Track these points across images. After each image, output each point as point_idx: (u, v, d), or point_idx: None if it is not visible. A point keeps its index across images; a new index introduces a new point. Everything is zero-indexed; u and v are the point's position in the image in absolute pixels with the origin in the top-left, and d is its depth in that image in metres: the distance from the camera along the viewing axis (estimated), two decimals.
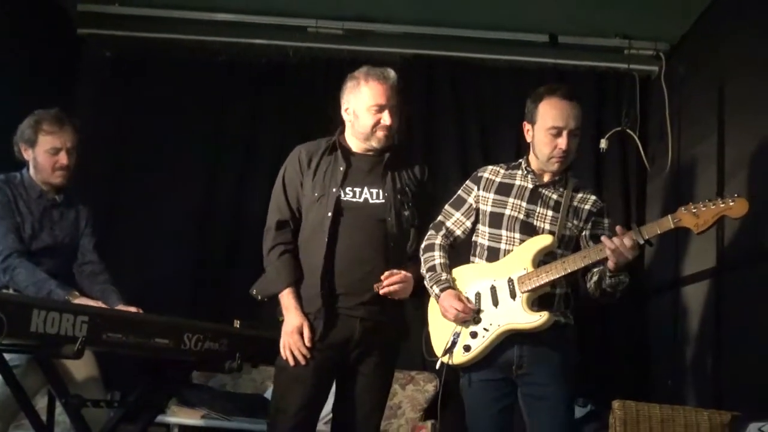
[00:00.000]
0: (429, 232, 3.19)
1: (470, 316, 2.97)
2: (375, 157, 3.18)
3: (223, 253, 5.30)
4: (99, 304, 3.24)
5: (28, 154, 3.56)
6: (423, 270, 3.13)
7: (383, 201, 3.12)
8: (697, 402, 4.06)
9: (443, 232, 3.18)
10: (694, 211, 2.75)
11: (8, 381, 2.94)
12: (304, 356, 3.02)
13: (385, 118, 3.09)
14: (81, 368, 3.37)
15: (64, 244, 3.61)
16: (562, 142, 2.96)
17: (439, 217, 3.22)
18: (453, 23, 5.20)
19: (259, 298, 3.19)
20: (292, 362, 3.04)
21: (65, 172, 3.55)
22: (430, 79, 5.46)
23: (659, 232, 2.80)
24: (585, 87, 5.33)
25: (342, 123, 3.26)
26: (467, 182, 3.20)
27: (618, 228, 2.80)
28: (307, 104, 5.41)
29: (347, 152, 3.19)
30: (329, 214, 3.06)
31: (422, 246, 3.18)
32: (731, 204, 2.72)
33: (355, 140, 3.19)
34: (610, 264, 2.80)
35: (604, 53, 5.27)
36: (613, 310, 4.96)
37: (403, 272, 3.07)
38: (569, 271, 2.86)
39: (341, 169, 3.13)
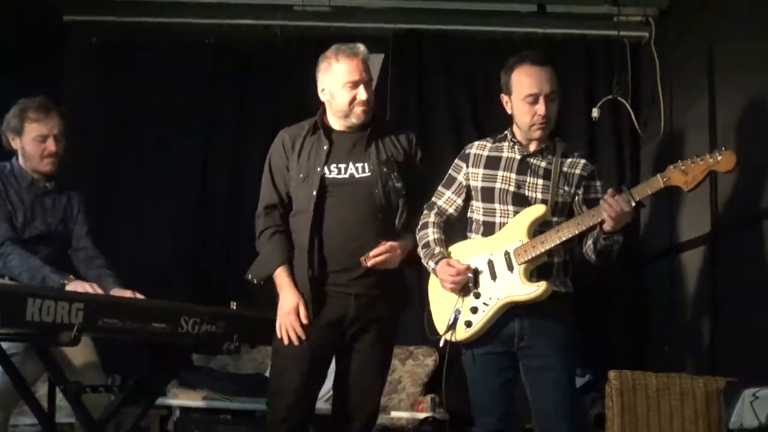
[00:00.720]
0: (424, 212, 3.20)
1: (467, 278, 2.97)
2: (357, 132, 3.18)
3: (220, 235, 5.31)
4: (95, 287, 3.23)
5: (15, 143, 3.54)
6: (419, 249, 3.15)
7: (369, 174, 3.12)
8: (694, 368, 4.09)
9: (435, 210, 3.19)
10: (683, 168, 2.74)
11: (7, 369, 2.94)
12: (299, 337, 3.04)
13: (361, 93, 3.09)
14: (79, 354, 3.37)
15: (57, 231, 3.60)
16: (540, 108, 2.95)
17: (433, 197, 3.22)
18: None
19: (255, 281, 3.20)
20: (286, 341, 3.06)
21: (54, 158, 3.53)
22: (419, 54, 5.45)
23: (650, 192, 2.79)
24: (575, 56, 5.35)
25: (322, 104, 3.26)
26: (456, 160, 3.20)
27: (610, 191, 2.79)
28: (297, 83, 5.38)
29: (329, 131, 3.19)
30: (314, 192, 3.08)
31: (418, 226, 3.19)
32: (719, 158, 2.71)
33: (335, 119, 3.19)
34: (608, 226, 2.78)
35: (593, 21, 5.26)
36: (611, 277, 4.99)
37: (389, 243, 3.07)
38: (564, 239, 2.86)
39: (324, 148, 3.14)
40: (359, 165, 3.14)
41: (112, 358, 3.72)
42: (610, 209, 2.74)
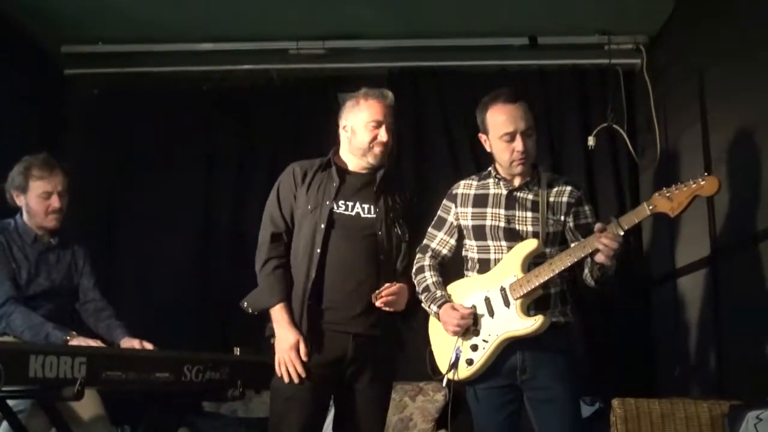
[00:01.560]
0: (417, 256, 3.25)
1: (471, 321, 2.99)
2: (368, 175, 3.24)
3: (224, 280, 5.31)
4: (97, 342, 3.24)
5: (20, 200, 3.61)
6: (418, 292, 3.18)
7: (374, 216, 3.17)
8: (701, 391, 4.07)
9: (429, 253, 3.23)
10: (668, 195, 2.79)
11: (14, 426, 2.97)
12: (299, 375, 3.05)
13: (382, 134, 3.17)
14: (86, 408, 3.39)
15: (62, 286, 3.65)
16: (518, 145, 3.00)
17: (425, 240, 3.27)
18: (432, 33, 5.23)
19: (250, 311, 3.22)
20: (286, 379, 3.06)
21: (58, 215, 3.61)
22: (415, 91, 5.48)
23: (636, 221, 2.84)
24: (569, 85, 5.38)
25: (336, 143, 3.33)
26: (444, 201, 3.26)
27: (597, 225, 2.84)
28: (295, 124, 5.48)
29: (341, 169, 3.25)
30: (322, 225, 3.11)
31: (413, 271, 3.23)
32: (702, 183, 2.77)
33: (350, 157, 3.26)
34: (600, 259, 2.82)
35: (585, 50, 5.28)
36: (615, 303, 4.99)
37: (398, 284, 3.11)
38: (557, 271, 2.89)
39: (334, 184, 3.19)
40: (366, 206, 3.19)
41: (120, 410, 3.73)
42: (605, 249, 2.79)
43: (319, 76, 5.48)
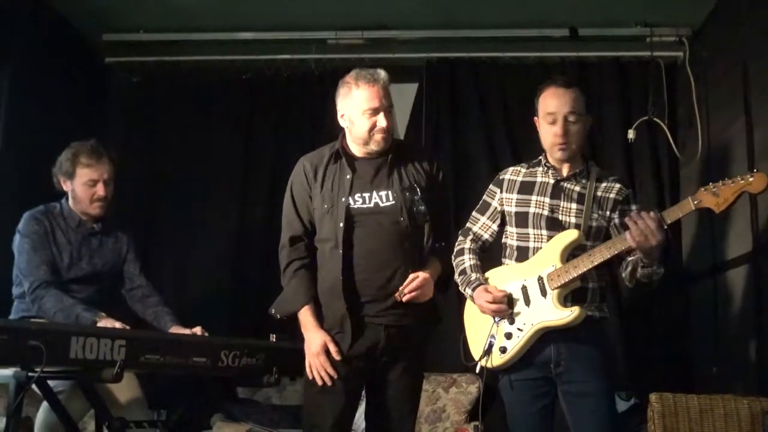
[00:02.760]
0: (458, 239, 3.23)
1: (504, 303, 2.97)
2: (379, 159, 3.15)
3: (259, 269, 5.35)
4: (123, 325, 3.21)
5: (66, 186, 3.65)
6: (456, 276, 3.17)
7: (393, 202, 3.10)
8: (741, 388, 4.02)
9: (471, 236, 3.22)
10: (714, 190, 2.73)
11: (54, 406, 3.01)
12: (330, 376, 3.01)
13: (381, 121, 3.07)
14: (123, 390, 3.44)
15: (104, 271, 3.69)
16: (558, 128, 2.98)
17: (468, 224, 3.25)
18: (472, 24, 5.20)
19: (278, 317, 3.17)
20: (319, 382, 3.03)
21: (103, 203, 3.64)
22: (453, 82, 5.46)
23: (681, 215, 2.78)
24: (609, 78, 5.33)
25: (342, 129, 3.25)
26: (491, 186, 3.23)
27: (651, 215, 2.77)
28: (332, 114, 5.44)
29: (351, 159, 3.16)
30: (341, 224, 3.05)
31: (453, 253, 3.21)
32: (750, 180, 2.69)
33: (355, 145, 3.17)
34: (633, 244, 2.76)
35: (626, 42, 5.23)
36: (654, 299, 4.95)
37: (422, 275, 3.05)
38: (596, 263, 2.85)
39: (348, 177, 3.11)
40: (383, 193, 3.11)
41: (157, 394, 3.77)
42: (634, 226, 2.74)
43: (357, 66, 5.41)
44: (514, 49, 5.35)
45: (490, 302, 2.98)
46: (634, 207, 3.05)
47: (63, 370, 2.81)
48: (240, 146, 5.58)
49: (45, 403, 3.25)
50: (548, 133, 3.02)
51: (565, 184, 3.05)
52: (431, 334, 3.27)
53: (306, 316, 3.09)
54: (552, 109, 2.99)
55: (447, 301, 3.44)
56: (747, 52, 4.27)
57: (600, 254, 2.86)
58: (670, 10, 4.96)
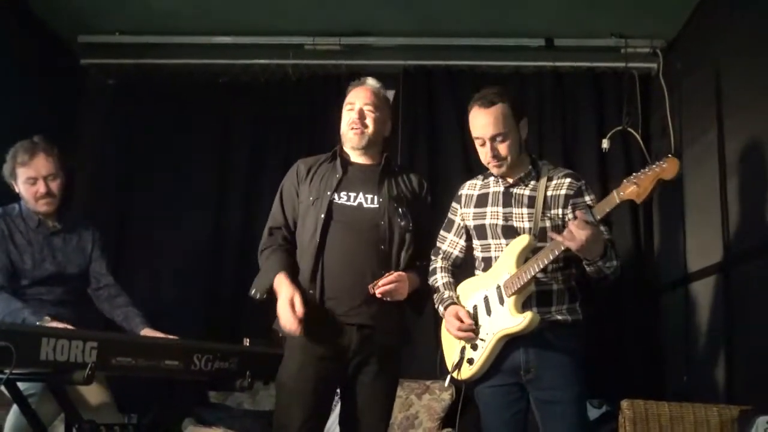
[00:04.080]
0: (431, 258, 3.26)
1: (471, 327, 3.00)
2: (372, 166, 3.25)
3: (233, 274, 5.33)
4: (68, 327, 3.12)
5: (16, 188, 3.58)
6: (433, 295, 3.20)
7: (377, 206, 3.16)
8: (710, 397, 4.06)
9: (441, 255, 3.25)
10: (635, 181, 2.72)
11: (24, 410, 2.97)
12: (296, 329, 3.00)
13: (352, 115, 3.21)
14: (94, 394, 3.40)
15: (70, 271, 3.63)
16: (486, 151, 3.01)
17: (437, 242, 3.28)
18: (449, 32, 5.23)
19: (258, 296, 3.19)
20: (287, 330, 3.03)
21: (48, 199, 3.55)
22: (430, 89, 5.49)
23: (608, 209, 2.77)
24: (584, 88, 5.37)
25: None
26: (452, 203, 3.28)
27: (578, 213, 2.79)
28: (308, 119, 5.48)
29: (346, 161, 3.27)
30: (322, 216, 3.11)
31: (428, 273, 3.24)
32: (664, 166, 2.70)
33: (350, 150, 3.29)
34: (575, 250, 2.77)
35: (601, 53, 5.28)
36: (626, 308, 4.98)
37: (398, 273, 3.09)
38: (542, 265, 2.86)
39: (337, 176, 3.21)
40: (369, 196, 3.18)
41: (127, 398, 3.74)
42: (567, 233, 2.75)
43: (333, 72, 5.48)
44: (491, 58, 5.38)
45: (459, 329, 3.01)
46: (587, 198, 3.04)
47: (33, 372, 2.77)
48: (216, 150, 5.57)
49: (15, 407, 3.20)
50: (481, 153, 3.06)
51: (515, 190, 3.07)
52: (402, 346, 3.28)
53: (280, 279, 3.10)
54: (477, 134, 3.03)
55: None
56: (720, 64, 4.31)
57: (544, 256, 2.86)
58: (645, 22, 5.00)
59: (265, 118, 5.59)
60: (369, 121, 3.21)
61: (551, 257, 2.85)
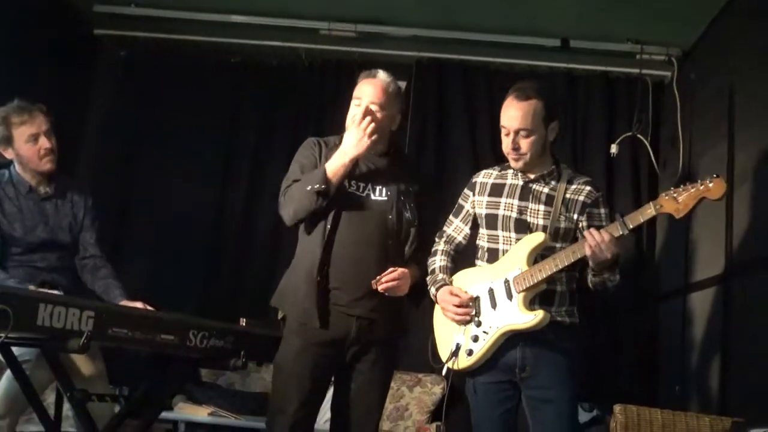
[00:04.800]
0: (435, 240, 3.24)
1: (469, 307, 2.99)
2: (381, 159, 3.21)
3: (234, 251, 5.34)
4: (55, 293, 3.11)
5: (9, 153, 3.51)
6: (428, 276, 3.18)
7: (386, 199, 3.14)
8: (702, 407, 4.06)
9: (444, 238, 3.24)
10: (674, 196, 2.74)
11: (17, 375, 2.97)
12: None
13: (354, 110, 3.13)
14: (87, 364, 3.40)
15: (61, 237, 3.58)
16: (508, 141, 2.99)
17: (444, 226, 3.27)
18: (465, 27, 5.22)
19: (318, 186, 3.01)
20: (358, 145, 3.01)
21: (51, 155, 3.51)
22: (441, 82, 5.48)
23: (642, 220, 2.78)
24: (597, 91, 5.37)
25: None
26: (465, 189, 3.25)
27: (611, 227, 2.80)
28: (318, 105, 5.47)
29: None
30: (324, 202, 3.04)
31: (430, 255, 3.22)
32: (710, 185, 2.71)
33: None
34: (589, 260, 2.80)
35: (615, 58, 5.26)
36: (622, 314, 4.98)
37: (401, 269, 3.07)
38: (560, 267, 2.85)
39: None
40: (378, 188, 3.15)
41: (119, 371, 3.73)
42: (591, 237, 2.76)
43: (346, 59, 5.46)
44: (505, 56, 5.37)
45: (456, 305, 3.00)
46: (603, 211, 3.04)
47: (29, 338, 2.76)
48: (223, 129, 5.57)
49: (8, 372, 3.20)
50: (503, 143, 3.04)
51: (534, 186, 3.05)
52: (399, 338, 3.28)
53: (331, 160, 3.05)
54: (504, 123, 3.00)
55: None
56: (734, 77, 4.29)
57: (565, 258, 2.86)
58: (662, 30, 4.99)
59: (274, 100, 5.57)
60: (379, 122, 3.10)
61: (571, 260, 2.84)
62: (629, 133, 5.13)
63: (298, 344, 3.05)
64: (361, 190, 3.13)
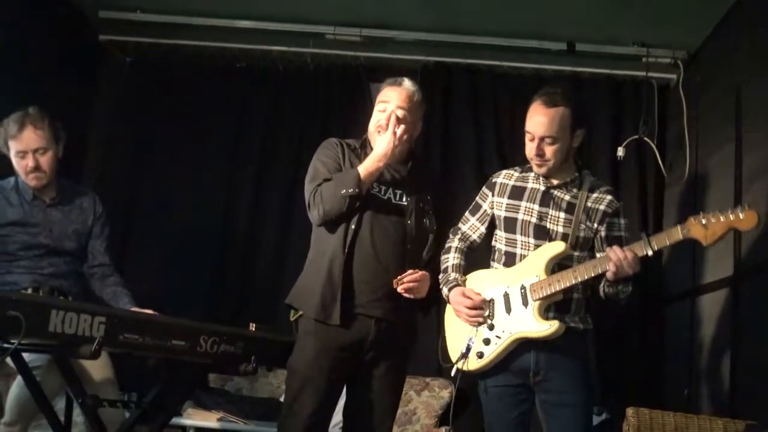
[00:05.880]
0: (449, 237, 3.24)
1: (481, 309, 2.99)
2: (401, 164, 3.21)
3: (241, 257, 5.33)
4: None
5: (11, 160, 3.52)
6: (440, 276, 3.17)
7: (406, 203, 3.15)
8: (712, 410, 4.04)
9: (459, 235, 3.23)
10: (704, 222, 2.73)
11: (28, 382, 2.96)
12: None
13: (381, 117, 3.14)
14: (97, 370, 3.40)
15: (66, 244, 3.58)
16: (533, 147, 2.99)
17: (459, 223, 3.27)
18: (471, 30, 5.20)
19: (352, 192, 3.03)
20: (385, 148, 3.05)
21: (37, 173, 3.46)
22: (448, 86, 5.46)
23: (668, 242, 2.79)
24: (603, 95, 5.36)
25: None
26: (483, 188, 3.24)
27: (635, 246, 2.81)
28: (324, 109, 5.47)
29: None
30: (356, 203, 3.06)
31: (443, 251, 3.22)
32: (741, 216, 2.69)
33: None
34: (609, 274, 2.81)
35: (621, 61, 5.25)
36: (631, 318, 4.96)
37: (421, 272, 3.08)
38: (579, 280, 2.87)
39: None
40: (398, 192, 3.17)
41: (128, 377, 3.73)
42: (615, 255, 2.76)
43: (352, 63, 5.46)
44: (511, 59, 5.36)
45: (469, 308, 2.99)
46: (622, 221, 3.06)
47: (40, 344, 2.75)
48: (229, 135, 5.55)
49: (19, 378, 3.19)
50: (527, 148, 3.04)
51: (555, 192, 3.05)
52: (413, 343, 3.27)
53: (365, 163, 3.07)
54: (530, 129, 3.00)
55: None
56: (740, 79, 4.29)
57: (585, 272, 2.87)
58: (667, 33, 4.97)
59: (281, 104, 5.56)
60: (390, 124, 3.12)
61: (592, 274, 2.85)
62: (635, 136, 5.11)
63: (314, 347, 3.04)
64: (383, 192, 3.15)
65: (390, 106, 3.15)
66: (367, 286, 3.06)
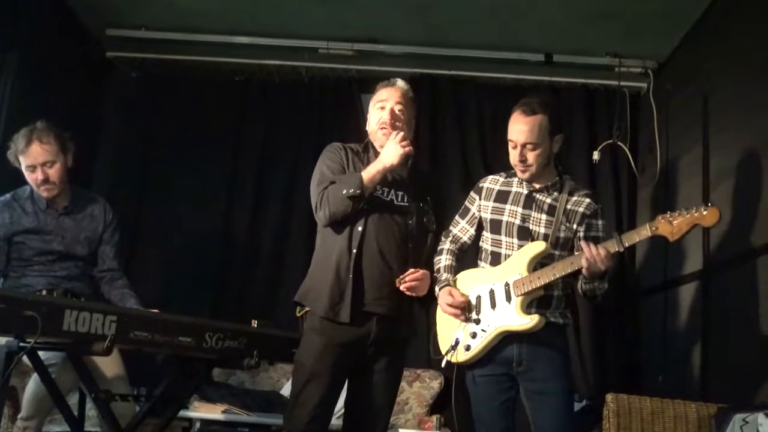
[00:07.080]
0: (441, 239, 3.25)
1: (462, 306, 3.02)
2: (402, 167, 3.15)
3: (241, 263, 5.32)
4: None
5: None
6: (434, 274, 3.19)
7: (407, 204, 3.13)
8: (685, 396, 4.05)
9: (450, 237, 3.25)
10: (670, 219, 2.77)
11: (44, 379, 2.94)
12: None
13: (384, 115, 3.11)
14: (109, 366, 3.38)
15: (79, 249, 3.56)
16: (515, 154, 3.01)
17: (450, 226, 3.28)
18: (455, 44, 5.21)
19: (357, 193, 2.99)
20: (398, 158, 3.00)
21: (47, 185, 3.45)
22: (434, 96, 5.47)
23: (638, 239, 2.83)
24: (578, 102, 5.38)
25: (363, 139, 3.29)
26: (471, 192, 3.26)
27: (608, 243, 2.83)
28: (318, 120, 5.47)
29: (378, 156, 3.16)
30: (364, 205, 3.03)
31: (436, 252, 3.23)
32: (704, 213, 2.73)
33: (380, 148, 3.15)
34: (584, 271, 2.82)
35: (596, 71, 5.27)
36: (609, 310, 4.98)
37: (423, 270, 3.07)
38: (557, 276, 2.89)
39: None
40: (399, 194, 3.14)
41: (139, 372, 3.71)
42: (587, 249, 2.79)
43: (344, 76, 5.46)
44: (493, 70, 5.37)
45: (449, 305, 3.03)
46: (600, 222, 3.07)
47: (55, 342, 2.74)
48: (229, 144, 5.54)
49: (35, 375, 3.18)
50: (511, 155, 3.05)
51: (538, 196, 3.06)
52: (412, 338, 3.25)
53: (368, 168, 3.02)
54: (512, 137, 3.01)
55: None
56: (708, 86, 4.32)
57: (562, 268, 2.89)
58: (638, 44, 5.00)
59: (277, 116, 5.55)
60: (394, 120, 3.11)
61: (568, 270, 2.87)
62: (609, 141, 5.14)
63: (320, 343, 3.00)
64: (385, 194, 3.11)
65: (389, 103, 3.13)
66: (372, 284, 3.02)
